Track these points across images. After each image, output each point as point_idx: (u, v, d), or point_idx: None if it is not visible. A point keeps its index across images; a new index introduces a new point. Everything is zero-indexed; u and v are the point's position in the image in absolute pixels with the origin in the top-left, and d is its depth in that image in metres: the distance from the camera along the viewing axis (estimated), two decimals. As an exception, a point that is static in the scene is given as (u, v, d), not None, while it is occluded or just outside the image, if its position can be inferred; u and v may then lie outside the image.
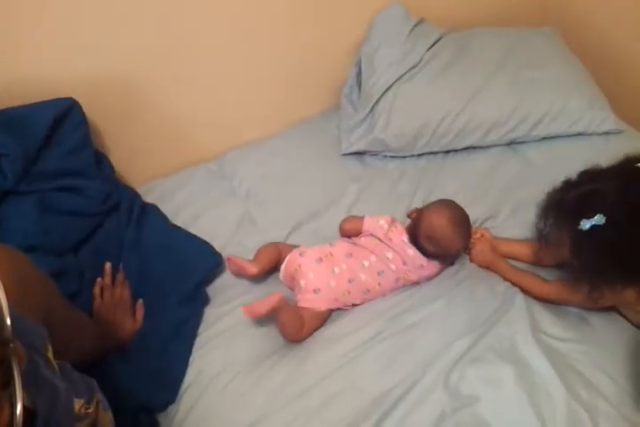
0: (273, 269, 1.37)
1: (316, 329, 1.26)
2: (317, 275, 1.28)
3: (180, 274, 1.32)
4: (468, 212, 1.49)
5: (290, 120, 1.78)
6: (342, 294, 1.28)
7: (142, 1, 1.37)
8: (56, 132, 1.33)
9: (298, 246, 1.39)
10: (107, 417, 0.87)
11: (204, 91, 1.61)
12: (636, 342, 1.22)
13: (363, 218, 1.40)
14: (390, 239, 1.34)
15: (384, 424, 1.10)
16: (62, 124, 1.34)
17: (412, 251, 1.32)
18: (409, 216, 1.41)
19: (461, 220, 1.34)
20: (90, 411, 0.80)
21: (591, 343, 1.22)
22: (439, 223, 1.30)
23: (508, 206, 1.51)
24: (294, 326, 1.22)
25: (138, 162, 1.62)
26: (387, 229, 1.36)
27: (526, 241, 1.38)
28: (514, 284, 1.33)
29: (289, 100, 1.77)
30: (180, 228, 1.46)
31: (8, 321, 0.53)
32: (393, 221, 1.39)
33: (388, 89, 1.62)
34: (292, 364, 1.21)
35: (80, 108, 1.36)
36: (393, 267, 1.31)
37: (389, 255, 1.32)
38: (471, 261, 1.40)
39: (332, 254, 1.32)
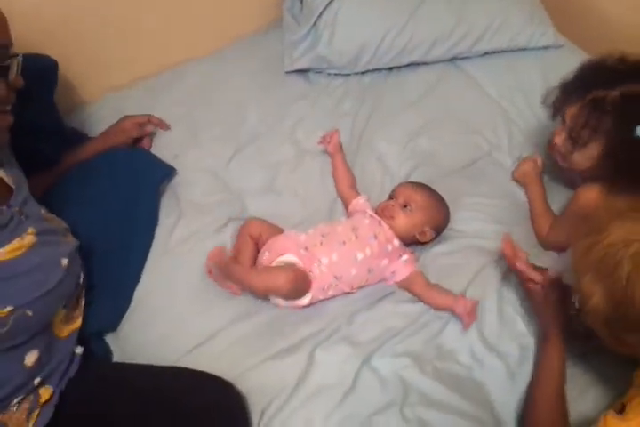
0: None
1: None
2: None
3: (131, 191, 1.28)
4: (410, 126, 1.51)
5: (229, 37, 1.71)
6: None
7: None
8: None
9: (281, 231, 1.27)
10: None
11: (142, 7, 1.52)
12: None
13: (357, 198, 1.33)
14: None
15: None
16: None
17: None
18: None
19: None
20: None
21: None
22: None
23: (450, 121, 1.53)
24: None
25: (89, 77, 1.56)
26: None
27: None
28: (531, 211, 1.35)
29: (227, 15, 1.68)
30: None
31: None
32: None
33: (331, 1, 1.57)
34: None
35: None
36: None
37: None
38: (515, 172, 1.42)
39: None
